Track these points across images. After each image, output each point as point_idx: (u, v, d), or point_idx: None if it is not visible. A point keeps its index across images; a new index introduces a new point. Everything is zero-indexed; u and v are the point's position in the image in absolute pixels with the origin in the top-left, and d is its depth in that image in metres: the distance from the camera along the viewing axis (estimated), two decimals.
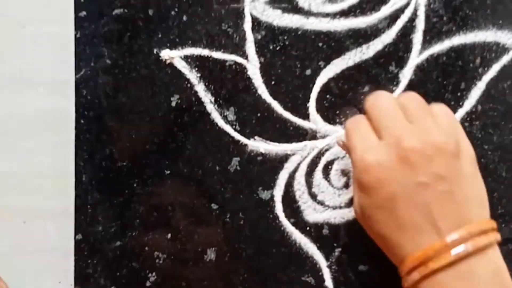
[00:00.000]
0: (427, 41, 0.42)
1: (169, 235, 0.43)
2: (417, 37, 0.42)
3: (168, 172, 0.43)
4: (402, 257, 0.35)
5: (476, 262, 0.33)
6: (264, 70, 0.43)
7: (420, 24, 0.42)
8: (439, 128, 0.35)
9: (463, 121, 0.42)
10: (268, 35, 0.42)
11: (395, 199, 0.34)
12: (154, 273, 0.44)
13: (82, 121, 0.43)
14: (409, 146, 0.34)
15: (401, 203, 0.34)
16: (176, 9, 0.42)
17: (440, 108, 0.37)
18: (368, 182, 0.35)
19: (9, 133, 0.44)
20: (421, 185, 0.34)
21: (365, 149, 0.36)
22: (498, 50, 0.42)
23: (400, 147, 0.34)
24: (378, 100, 0.37)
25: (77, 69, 0.43)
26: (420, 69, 0.42)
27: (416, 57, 0.42)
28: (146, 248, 0.43)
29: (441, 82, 0.42)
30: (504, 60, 0.42)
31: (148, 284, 0.44)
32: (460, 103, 0.42)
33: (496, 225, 0.35)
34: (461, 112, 0.42)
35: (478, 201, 0.36)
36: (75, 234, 0.43)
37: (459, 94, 0.42)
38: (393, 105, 0.36)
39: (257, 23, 0.42)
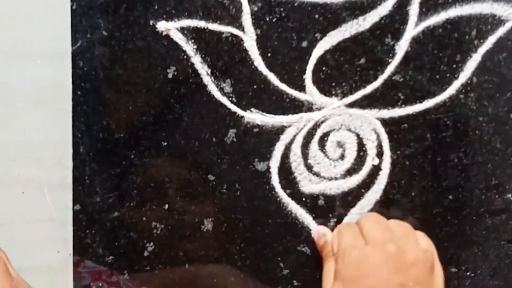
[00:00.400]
0: (423, 13, 0.42)
1: (166, 206, 0.44)
2: (413, 9, 0.42)
3: (165, 143, 0.44)
4: None
5: None
6: (261, 42, 0.43)
7: None
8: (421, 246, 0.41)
9: (458, 93, 0.42)
10: (265, 7, 0.42)
11: None
12: (151, 243, 0.44)
13: (79, 93, 0.43)
14: (394, 251, 0.39)
15: None
16: None
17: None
18: (352, 274, 0.39)
19: (7, 105, 0.44)
20: (400, 285, 0.38)
21: (355, 245, 0.40)
22: (494, 22, 0.42)
23: (386, 250, 0.39)
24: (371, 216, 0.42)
25: (74, 40, 0.43)
26: (416, 41, 0.42)
27: (412, 29, 0.42)
28: (144, 219, 0.44)
29: (436, 54, 0.42)
30: (500, 32, 0.42)
31: (146, 254, 0.44)
32: (456, 75, 0.42)
33: None
34: (456, 84, 0.42)
35: None
36: (73, 204, 0.44)
37: (454, 66, 0.42)
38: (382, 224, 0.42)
39: None
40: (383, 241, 0.40)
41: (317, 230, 0.44)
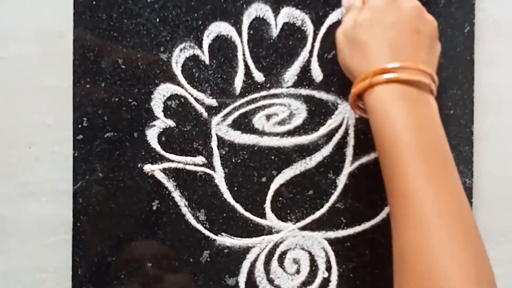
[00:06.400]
0: (357, 153, 0.52)
1: None
2: (349, 151, 0.52)
3: (150, 264, 0.52)
4: (357, 77, 0.44)
5: (409, 89, 0.42)
6: (228, 179, 0.52)
7: (351, 140, 0.52)
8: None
9: (388, 216, 0.52)
10: (231, 151, 0.52)
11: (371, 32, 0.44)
12: None
13: (78, 224, 0.52)
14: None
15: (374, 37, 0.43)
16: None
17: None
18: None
19: (17, 236, 0.52)
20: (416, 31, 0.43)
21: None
22: None
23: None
24: None
25: (75, 181, 0.52)
26: (352, 175, 0.52)
27: (349, 166, 0.52)
28: None
29: (369, 185, 0.52)
30: None
31: None
32: (385, 202, 0.52)
33: (434, 83, 0.44)
34: (387, 209, 0.52)
35: (433, 57, 0.45)
36: None
37: (384, 195, 0.51)
38: None
39: (222, 141, 0.52)
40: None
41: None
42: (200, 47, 0.51)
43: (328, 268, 0.52)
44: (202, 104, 0.52)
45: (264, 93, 0.52)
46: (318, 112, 0.52)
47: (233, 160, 0.52)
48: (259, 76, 0.52)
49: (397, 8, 0.44)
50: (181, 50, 0.51)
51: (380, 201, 0.52)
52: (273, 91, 0.52)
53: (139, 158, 0.52)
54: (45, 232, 0.52)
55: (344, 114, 0.52)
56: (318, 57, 0.52)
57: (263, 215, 0.52)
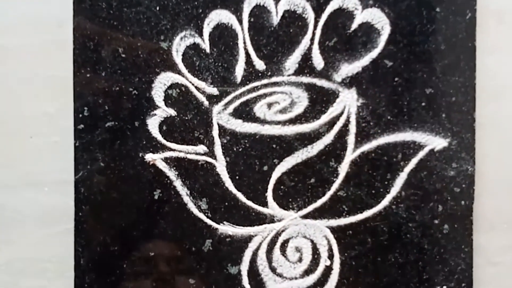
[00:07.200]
0: (359, 141, 0.52)
1: None
2: (351, 139, 0.52)
3: (152, 254, 0.52)
4: None
5: None
6: (230, 168, 0.52)
7: (352, 128, 0.52)
8: None
9: (390, 204, 0.52)
10: (232, 140, 0.52)
11: None
12: None
13: (80, 214, 0.52)
14: None
15: None
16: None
17: None
18: None
19: (19, 227, 0.52)
20: None
21: None
22: (415, 147, 0.51)
23: None
24: None
25: (76, 171, 0.52)
26: (354, 163, 0.52)
27: (350, 154, 0.52)
28: None
29: (371, 173, 0.52)
30: (420, 155, 0.51)
31: None
32: (388, 190, 0.52)
33: None
34: (389, 197, 0.52)
35: None
36: None
37: (386, 183, 0.52)
38: None
39: (223, 130, 0.52)
40: None
41: None
42: (201, 35, 0.51)
43: (330, 256, 0.52)
44: (203, 92, 0.52)
45: (265, 81, 0.52)
46: (320, 100, 0.52)
47: (235, 149, 0.52)
48: (260, 64, 0.52)
49: None
50: (181, 38, 0.51)
51: (382, 189, 0.52)
52: (274, 79, 0.52)
53: (140, 147, 0.52)
54: (47, 222, 0.52)
55: (345, 102, 0.52)
56: (319, 45, 0.51)
57: (265, 204, 0.52)
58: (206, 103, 0.52)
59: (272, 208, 0.52)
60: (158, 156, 0.52)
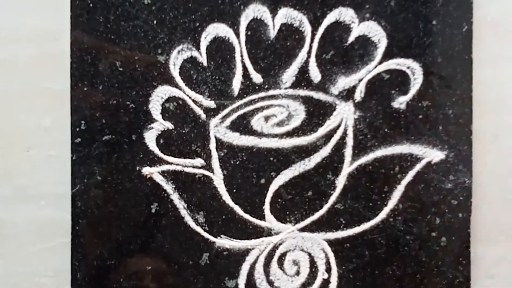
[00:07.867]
0: (356, 154, 0.52)
1: None
2: (348, 151, 0.52)
3: (149, 268, 0.52)
4: None
5: None
6: (227, 181, 0.52)
7: (350, 141, 0.52)
8: None
9: (388, 217, 0.52)
10: (229, 153, 0.52)
11: None
12: None
13: (77, 228, 0.52)
14: None
15: None
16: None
17: None
18: None
19: (15, 240, 0.52)
20: None
21: None
22: (412, 159, 0.52)
23: None
24: None
25: (73, 184, 0.52)
26: (351, 176, 0.52)
27: (348, 167, 0.52)
28: None
29: (369, 186, 0.52)
30: (417, 167, 0.51)
31: None
32: (385, 203, 0.52)
33: None
34: (386, 210, 0.52)
35: None
36: None
37: (383, 195, 0.52)
38: None
39: (220, 143, 0.52)
40: None
41: None
42: (198, 48, 0.51)
43: (328, 269, 0.52)
44: (200, 106, 0.52)
45: (262, 94, 0.52)
46: (317, 113, 0.52)
47: (232, 162, 0.52)
48: (257, 77, 0.52)
49: None
50: (178, 52, 0.51)
51: (379, 202, 0.52)
52: (271, 92, 0.52)
53: (138, 160, 0.52)
54: (43, 235, 0.52)
55: (342, 114, 0.52)
56: (316, 58, 0.52)
57: (262, 217, 0.52)
58: (203, 116, 0.52)
59: (270, 221, 0.52)
60: (155, 169, 0.52)
